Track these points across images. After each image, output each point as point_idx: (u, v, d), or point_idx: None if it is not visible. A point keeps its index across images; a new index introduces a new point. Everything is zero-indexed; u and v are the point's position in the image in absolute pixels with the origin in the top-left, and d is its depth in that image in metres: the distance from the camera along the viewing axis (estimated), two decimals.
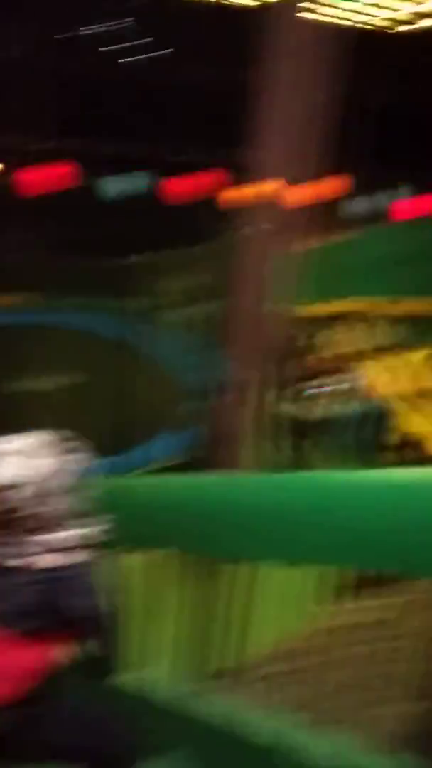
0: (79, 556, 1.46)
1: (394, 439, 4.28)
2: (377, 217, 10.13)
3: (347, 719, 2.15)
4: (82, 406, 7.24)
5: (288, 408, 5.67)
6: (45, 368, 8.30)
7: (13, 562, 1.40)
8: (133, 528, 1.93)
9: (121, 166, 10.43)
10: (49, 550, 1.42)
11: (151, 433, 7.04)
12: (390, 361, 5.02)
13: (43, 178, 9.77)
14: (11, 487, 1.38)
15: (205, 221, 9.62)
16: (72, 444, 1.50)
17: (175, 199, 10.18)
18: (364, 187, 9.90)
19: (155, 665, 2.29)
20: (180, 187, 10.16)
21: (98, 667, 1.58)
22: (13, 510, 1.39)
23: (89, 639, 1.50)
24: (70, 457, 1.48)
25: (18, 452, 1.42)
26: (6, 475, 1.39)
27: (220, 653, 2.31)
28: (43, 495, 1.40)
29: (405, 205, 9.91)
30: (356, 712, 2.21)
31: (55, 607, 1.42)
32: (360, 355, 6.29)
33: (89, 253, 9.33)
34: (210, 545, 2.10)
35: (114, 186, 10.40)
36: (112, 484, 1.91)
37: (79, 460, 1.49)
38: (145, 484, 2.29)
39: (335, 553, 1.77)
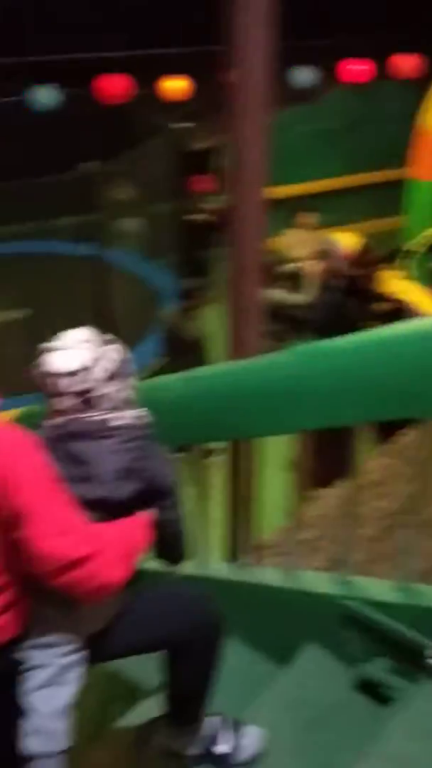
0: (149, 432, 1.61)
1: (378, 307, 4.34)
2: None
3: (380, 569, 2.32)
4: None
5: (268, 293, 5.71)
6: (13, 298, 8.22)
7: (99, 431, 1.53)
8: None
9: (47, 72, 9.87)
10: (128, 423, 1.56)
11: (135, 339, 7.07)
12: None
13: None
14: (85, 368, 1.53)
15: (146, 119, 9.31)
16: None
17: (111, 100, 9.74)
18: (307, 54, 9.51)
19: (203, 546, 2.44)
20: (115, 86, 9.68)
21: (168, 547, 1.69)
22: (89, 390, 1.53)
23: (169, 512, 1.61)
24: (120, 348, 1.63)
25: (84, 341, 1.56)
26: (81, 359, 1.53)
27: (255, 528, 2.45)
28: (111, 377, 1.56)
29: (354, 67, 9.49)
30: (389, 561, 2.37)
31: (143, 473, 1.55)
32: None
33: (30, 171, 9.02)
34: (230, 429, 2.16)
35: (45, 95, 9.87)
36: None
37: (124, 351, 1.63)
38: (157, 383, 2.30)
39: (352, 411, 1.83)
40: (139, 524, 1.56)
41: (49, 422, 1.57)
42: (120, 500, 1.52)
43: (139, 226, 10.18)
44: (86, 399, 1.53)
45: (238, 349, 2.27)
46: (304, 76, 9.47)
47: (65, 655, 1.54)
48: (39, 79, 9.62)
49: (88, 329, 1.60)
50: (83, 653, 1.58)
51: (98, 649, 1.61)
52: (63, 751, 1.54)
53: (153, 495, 1.59)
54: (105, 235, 8.76)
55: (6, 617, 1.50)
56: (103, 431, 1.52)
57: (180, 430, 2.20)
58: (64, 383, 1.52)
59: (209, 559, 2.46)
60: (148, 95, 9.87)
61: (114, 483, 1.50)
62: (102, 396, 1.54)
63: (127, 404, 1.59)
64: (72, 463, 1.51)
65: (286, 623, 2.24)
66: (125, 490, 1.52)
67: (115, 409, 1.56)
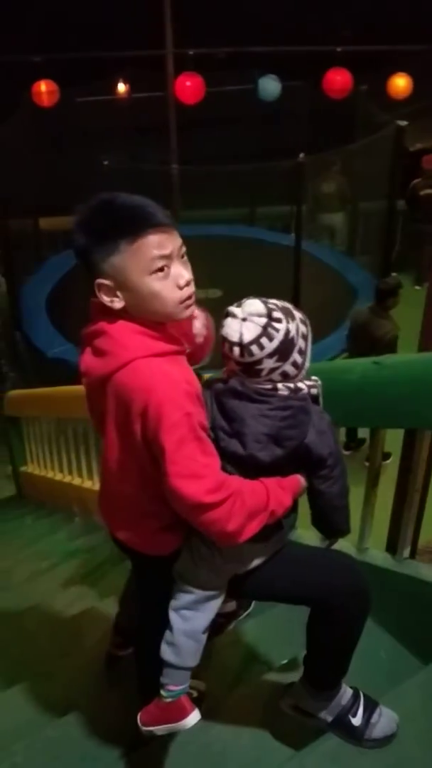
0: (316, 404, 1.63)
1: None
2: None
3: None
4: None
5: None
6: (212, 277, 8.56)
7: (256, 394, 1.57)
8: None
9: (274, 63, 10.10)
10: (287, 393, 1.59)
11: (323, 332, 7.11)
12: None
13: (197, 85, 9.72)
14: (253, 343, 1.54)
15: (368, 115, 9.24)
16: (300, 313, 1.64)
17: (333, 93, 9.77)
18: None
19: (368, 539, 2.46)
20: (338, 80, 9.70)
21: (322, 518, 1.73)
22: (254, 362, 1.56)
23: (325, 482, 1.65)
24: (304, 321, 1.63)
25: (261, 313, 1.56)
26: (251, 332, 1.55)
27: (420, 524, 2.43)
28: (280, 354, 1.56)
29: None
30: None
31: (291, 442, 1.58)
32: None
33: (246, 157, 9.31)
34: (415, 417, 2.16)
35: (269, 85, 10.12)
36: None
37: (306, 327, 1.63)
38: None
39: None
40: (281, 485, 1.60)
41: (218, 377, 1.66)
42: (263, 462, 1.57)
43: (344, 222, 10.18)
44: (251, 369, 1.57)
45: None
46: None
47: (206, 586, 1.67)
48: (264, 69, 9.86)
49: (272, 301, 1.60)
50: (224, 589, 1.70)
51: (241, 586, 1.72)
52: (190, 667, 1.71)
53: (307, 464, 1.62)
54: (309, 227, 8.89)
55: (160, 537, 1.67)
56: (259, 395, 1.57)
57: (361, 413, 2.24)
58: (233, 350, 1.56)
59: (367, 544, 2.47)
60: (371, 91, 9.80)
61: (259, 444, 1.56)
62: (267, 369, 1.57)
63: (294, 377, 1.61)
64: (226, 419, 1.59)
65: None
66: (269, 453, 1.57)
67: (281, 379, 1.59)
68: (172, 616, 1.69)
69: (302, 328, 1.61)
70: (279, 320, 1.56)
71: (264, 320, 1.55)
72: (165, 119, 10.12)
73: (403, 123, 6.75)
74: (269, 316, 1.55)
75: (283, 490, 1.60)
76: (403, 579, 2.30)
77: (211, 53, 9.79)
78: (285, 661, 2.28)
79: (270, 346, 1.55)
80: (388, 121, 7.55)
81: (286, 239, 9.01)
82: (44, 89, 9.49)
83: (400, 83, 9.95)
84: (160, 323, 1.57)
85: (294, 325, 1.59)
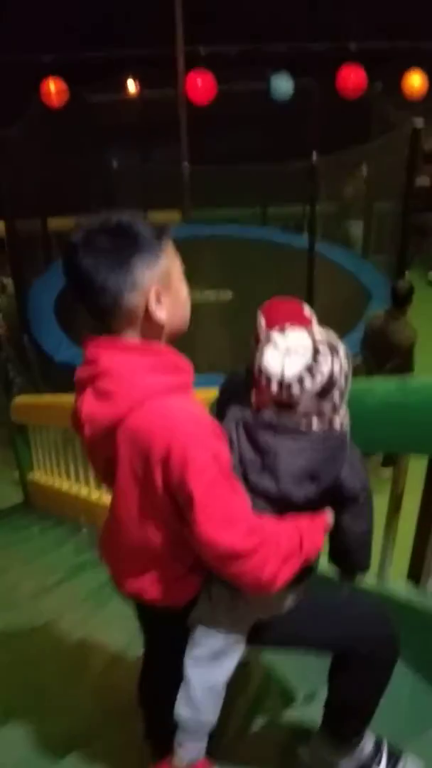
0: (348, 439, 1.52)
1: None
2: None
3: None
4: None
5: None
6: (223, 279, 8.44)
7: (293, 428, 1.47)
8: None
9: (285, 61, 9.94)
10: (325, 428, 1.48)
11: (339, 333, 6.97)
12: None
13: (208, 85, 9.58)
14: (294, 380, 1.43)
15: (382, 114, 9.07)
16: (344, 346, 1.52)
17: (347, 92, 9.60)
18: None
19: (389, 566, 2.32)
20: (352, 79, 9.53)
21: (345, 556, 1.60)
22: (293, 400, 1.45)
23: (353, 520, 1.53)
24: (347, 357, 1.51)
25: (304, 347, 1.45)
26: (292, 369, 1.43)
27: None
28: (321, 393, 1.45)
29: None
30: None
31: (328, 479, 1.46)
32: None
33: (257, 157, 9.18)
34: None
35: (281, 84, 9.96)
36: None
37: (350, 361, 1.51)
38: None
39: None
40: (314, 525, 1.48)
41: (248, 406, 1.54)
42: (296, 500, 1.46)
43: (358, 223, 10.03)
44: (285, 405, 1.46)
45: None
46: None
47: (227, 635, 1.53)
48: (276, 67, 9.71)
49: (316, 331, 1.50)
50: (245, 638, 1.57)
51: (262, 635, 1.59)
52: (209, 724, 1.57)
53: (338, 500, 1.51)
54: (321, 228, 8.73)
55: (176, 587, 1.51)
56: (297, 430, 1.46)
57: (383, 438, 2.10)
58: (270, 385, 1.45)
59: (389, 574, 2.33)
60: (385, 90, 9.63)
61: (295, 481, 1.44)
62: (303, 407, 1.46)
63: (333, 412, 1.50)
64: (257, 452, 1.47)
65: None
66: (304, 491, 1.45)
67: (316, 418, 1.48)
68: (189, 669, 1.54)
69: (345, 366, 1.49)
70: (325, 358, 1.45)
71: (309, 357, 1.44)
72: (176, 118, 9.99)
73: (419, 123, 6.56)
74: (315, 354, 1.44)
75: (314, 531, 1.48)
76: (428, 613, 2.16)
77: (223, 51, 9.64)
78: (301, 697, 2.15)
79: (312, 386, 1.43)
80: (403, 120, 7.38)
81: (299, 240, 8.86)
82: (53, 89, 9.38)
83: (416, 81, 9.77)
84: (166, 352, 1.44)
85: (338, 363, 1.47)
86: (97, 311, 1.39)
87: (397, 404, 2.00)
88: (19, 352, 7.56)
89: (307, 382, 1.43)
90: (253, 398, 1.54)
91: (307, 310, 1.99)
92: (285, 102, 10.00)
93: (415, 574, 2.28)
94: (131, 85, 10.31)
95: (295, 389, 1.43)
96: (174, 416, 1.34)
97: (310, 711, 1.91)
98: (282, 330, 1.48)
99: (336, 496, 1.50)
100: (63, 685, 2.61)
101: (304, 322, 1.95)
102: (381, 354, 5.62)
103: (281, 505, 1.46)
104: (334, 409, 1.48)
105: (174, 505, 1.37)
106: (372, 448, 2.07)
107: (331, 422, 1.49)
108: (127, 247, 1.35)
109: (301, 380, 1.42)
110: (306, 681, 2.21)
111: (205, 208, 10.34)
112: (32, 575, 4.12)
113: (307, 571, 1.53)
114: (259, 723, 2.11)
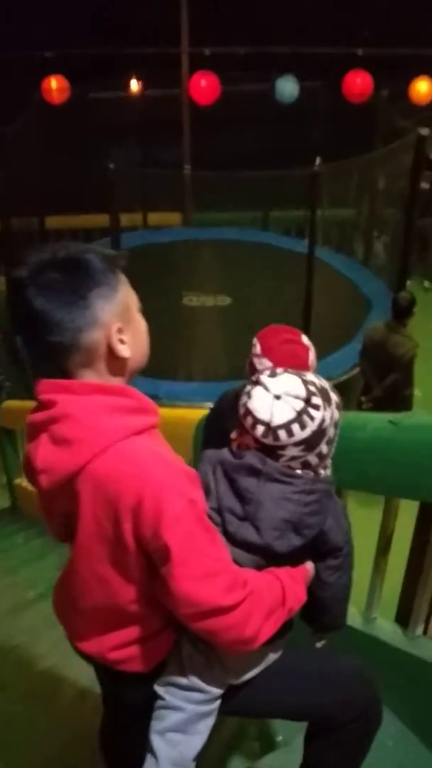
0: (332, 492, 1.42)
1: None
2: None
3: None
4: (258, 317, 7.20)
5: None
6: (226, 283, 8.32)
7: (279, 474, 1.36)
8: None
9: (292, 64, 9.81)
10: (313, 475, 1.38)
11: (335, 344, 6.85)
12: None
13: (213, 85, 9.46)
14: (281, 427, 1.32)
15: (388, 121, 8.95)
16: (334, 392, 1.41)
17: (353, 98, 9.47)
18: None
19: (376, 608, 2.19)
20: (358, 84, 9.40)
21: (320, 610, 1.48)
22: (279, 447, 1.34)
23: (333, 573, 1.43)
24: (339, 406, 1.40)
25: (295, 395, 1.34)
26: (281, 415, 1.33)
27: None
28: (307, 444, 1.34)
29: None
30: None
31: (313, 530, 1.36)
32: None
33: (260, 161, 9.05)
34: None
35: (286, 87, 9.83)
36: None
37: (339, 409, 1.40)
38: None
39: None
40: (296, 577, 1.37)
41: (228, 448, 1.42)
42: (279, 552, 1.33)
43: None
44: (270, 451, 1.35)
45: None
46: None
47: (200, 702, 1.39)
48: (283, 70, 9.58)
49: (309, 378, 1.38)
50: (218, 705, 1.42)
51: (234, 702, 1.45)
52: None
53: (320, 551, 1.40)
54: (322, 234, 8.61)
55: (144, 647, 1.37)
56: (282, 476, 1.34)
57: (372, 478, 1.96)
58: (256, 427, 1.34)
59: (375, 613, 2.21)
60: (391, 96, 9.51)
61: (277, 532, 1.32)
62: (288, 456, 1.35)
63: (315, 466, 1.38)
64: (237, 498, 1.34)
65: None
66: (286, 542, 1.33)
67: (300, 467, 1.37)
68: (156, 741, 1.38)
69: (336, 415, 1.38)
70: (317, 407, 1.33)
71: (301, 405, 1.33)
72: (179, 118, 9.87)
73: (425, 132, 6.43)
74: (307, 401, 1.33)
75: (297, 583, 1.36)
76: (415, 659, 2.03)
77: (228, 52, 9.52)
78: (280, 742, 2.03)
79: (300, 434, 1.32)
80: (409, 128, 7.25)
81: (300, 245, 8.74)
82: (55, 86, 9.25)
83: (423, 87, 9.64)
84: (128, 391, 1.31)
85: (329, 412, 1.36)
86: (51, 352, 1.26)
87: (387, 441, 1.87)
88: (13, 354, 7.41)
89: (296, 431, 1.32)
90: (234, 437, 1.42)
91: (305, 340, 1.87)
92: (290, 105, 9.87)
93: (403, 618, 2.15)
94: (134, 84, 10.18)
95: (283, 436, 1.32)
96: (144, 461, 1.21)
97: (289, 759, 1.79)
98: (273, 374, 1.37)
99: (318, 547, 1.39)
100: (30, 717, 2.48)
101: (301, 352, 1.83)
102: (380, 367, 5.49)
103: (262, 556, 1.34)
104: (322, 459, 1.37)
105: (145, 559, 1.24)
106: (360, 486, 1.93)
107: (317, 471, 1.38)
108: (82, 280, 1.23)
109: (289, 428, 1.32)
110: (285, 725, 2.08)
111: (206, 210, 10.24)
112: (11, 588, 3.99)
113: (287, 626, 1.40)
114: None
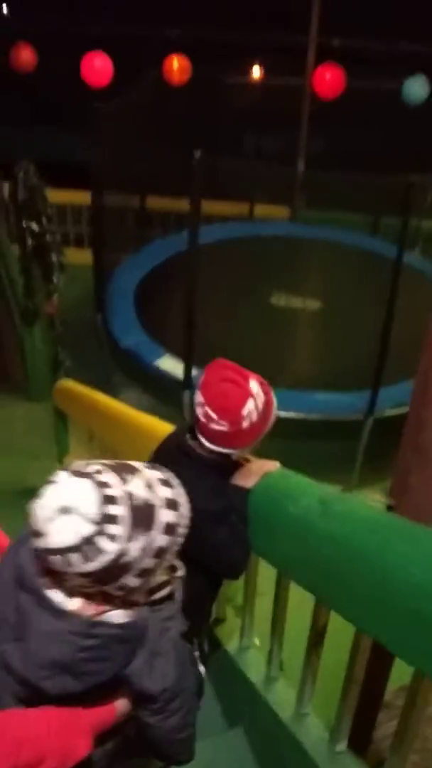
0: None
1: None
2: None
3: None
4: (348, 327, 6.81)
5: None
6: (319, 286, 7.96)
7: (54, 605, 1.10)
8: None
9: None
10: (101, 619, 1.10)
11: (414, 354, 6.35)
12: None
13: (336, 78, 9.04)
14: (59, 553, 1.01)
15: None
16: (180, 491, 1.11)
17: None
18: None
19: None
20: None
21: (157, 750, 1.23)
22: (61, 573, 1.06)
23: (155, 717, 1.18)
24: (170, 525, 1.07)
25: (88, 512, 1.01)
26: (61, 539, 1.01)
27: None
28: (103, 577, 1.04)
29: None
30: None
31: (91, 677, 1.10)
32: None
33: (384, 164, 8.58)
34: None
35: (417, 88, 9.26)
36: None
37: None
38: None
39: None
40: (70, 723, 1.08)
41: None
42: (49, 694, 1.08)
43: None
44: (54, 572, 1.04)
45: None
46: None
47: None
48: (413, 69, 9.04)
49: (115, 495, 1.01)
50: None
51: None
52: None
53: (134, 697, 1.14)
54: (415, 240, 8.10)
55: None
56: (53, 607, 1.07)
57: (295, 564, 1.62)
58: (34, 539, 1.04)
59: (306, 708, 1.89)
60: None
61: (45, 671, 1.06)
62: (73, 584, 1.04)
63: (130, 594, 1.08)
64: (16, 614, 1.09)
65: None
66: (61, 685, 1.07)
67: (89, 597, 1.07)
68: None
69: (160, 542, 1.05)
70: (113, 537, 1.00)
71: (89, 530, 1.00)
72: (297, 110, 9.50)
73: None
74: (99, 529, 1.00)
75: (74, 731, 1.07)
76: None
77: (358, 46, 9.06)
78: None
79: (82, 567, 1.01)
80: None
81: (407, 257, 8.23)
82: (176, 66, 9.10)
83: None
84: None
85: (141, 542, 1.03)
86: None
87: (311, 526, 1.49)
88: (96, 332, 7.34)
89: (76, 562, 1.01)
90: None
91: (253, 387, 1.57)
92: (417, 107, 9.31)
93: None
94: (256, 71, 9.89)
95: (58, 562, 1.01)
96: None
97: None
98: (79, 472, 1.05)
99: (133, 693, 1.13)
100: None
101: (236, 396, 1.52)
102: None
103: (30, 692, 1.08)
104: (132, 592, 1.07)
105: None
106: (283, 569, 1.60)
107: (131, 603, 1.09)
108: None
109: (66, 557, 1.01)
110: None
111: (316, 208, 9.84)
112: None
113: None
114: None
